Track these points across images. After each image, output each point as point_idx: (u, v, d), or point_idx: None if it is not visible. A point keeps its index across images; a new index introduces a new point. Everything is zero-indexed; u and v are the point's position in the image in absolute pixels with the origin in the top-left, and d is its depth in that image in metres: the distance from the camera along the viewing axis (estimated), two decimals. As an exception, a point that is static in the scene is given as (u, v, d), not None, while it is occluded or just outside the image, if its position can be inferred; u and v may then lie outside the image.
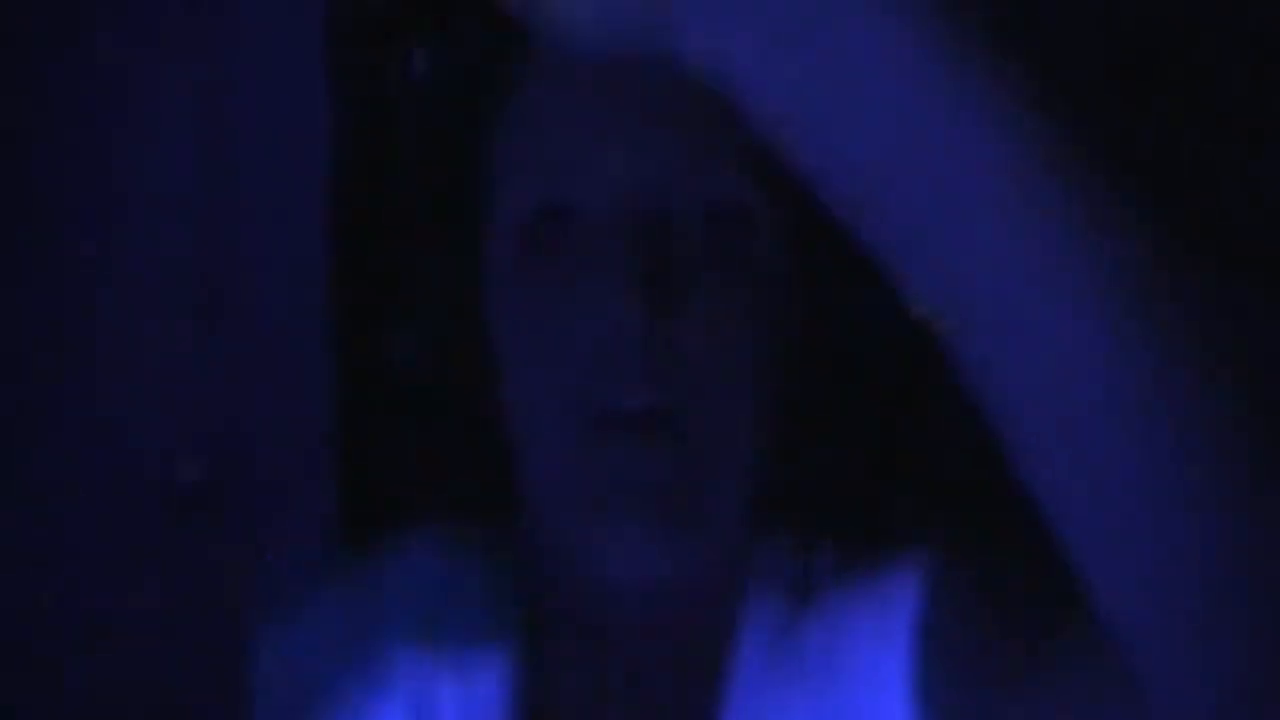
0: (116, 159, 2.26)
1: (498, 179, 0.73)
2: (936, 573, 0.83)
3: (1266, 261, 1.43)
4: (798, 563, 0.79)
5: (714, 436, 0.70)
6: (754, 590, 0.78)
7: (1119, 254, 0.48)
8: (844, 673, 0.77)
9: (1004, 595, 0.80)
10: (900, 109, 0.48)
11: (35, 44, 2.23)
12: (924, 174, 0.49)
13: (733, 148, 0.70)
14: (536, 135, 0.71)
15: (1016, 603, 0.77)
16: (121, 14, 2.24)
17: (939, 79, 0.47)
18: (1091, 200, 0.50)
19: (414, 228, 0.79)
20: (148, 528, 2.30)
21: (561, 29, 0.60)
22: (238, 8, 2.26)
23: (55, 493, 2.30)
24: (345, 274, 2.30)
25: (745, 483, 0.75)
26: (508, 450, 0.75)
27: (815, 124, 0.51)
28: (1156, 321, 0.48)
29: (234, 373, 2.31)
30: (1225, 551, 0.47)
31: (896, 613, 0.80)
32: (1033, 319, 0.49)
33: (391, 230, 0.75)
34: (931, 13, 0.47)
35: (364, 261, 2.25)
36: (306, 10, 2.23)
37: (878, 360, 0.82)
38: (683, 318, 0.68)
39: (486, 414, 0.76)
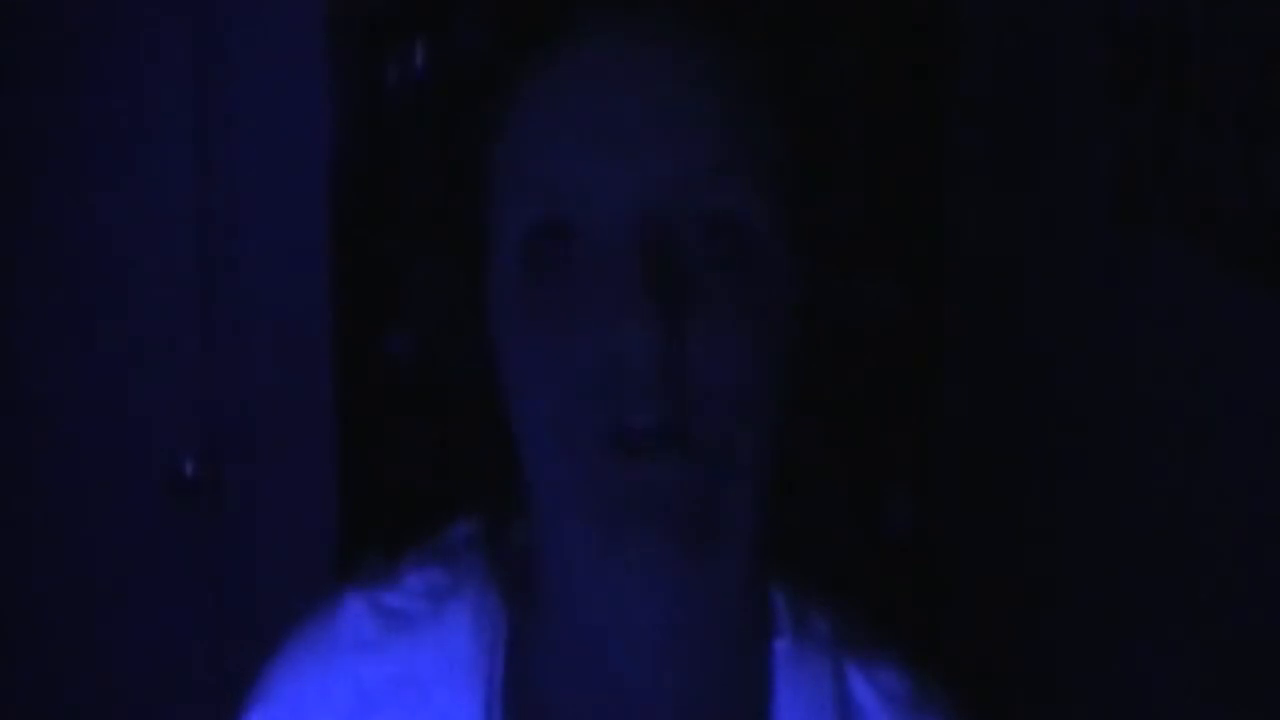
0: (117, 158, 2.27)
1: (499, 189, 0.72)
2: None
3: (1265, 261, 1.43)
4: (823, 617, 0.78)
5: (728, 454, 0.69)
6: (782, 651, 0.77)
7: None
8: None
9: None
10: None
11: (35, 44, 2.24)
12: None
13: (734, 159, 0.70)
14: (538, 146, 0.68)
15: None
16: (122, 14, 2.24)
17: None
18: None
19: (413, 228, 0.78)
20: (151, 519, 2.30)
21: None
22: (238, 8, 2.26)
23: (61, 486, 2.30)
24: (345, 274, 2.30)
25: (761, 501, 0.74)
26: (506, 449, 0.75)
27: None
28: None
29: (235, 370, 2.31)
30: None
31: None
32: None
33: (391, 230, 0.75)
34: None
35: (364, 261, 2.26)
36: (306, 10, 2.24)
37: (885, 365, 0.81)
38: (691, 336, 0.68)
39: (485, 413, 0.75)
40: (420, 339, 0.79)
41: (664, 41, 0.70)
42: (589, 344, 0.68)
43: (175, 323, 2.29)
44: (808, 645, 0.78)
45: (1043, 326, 2.00)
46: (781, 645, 0.77)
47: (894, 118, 2.11)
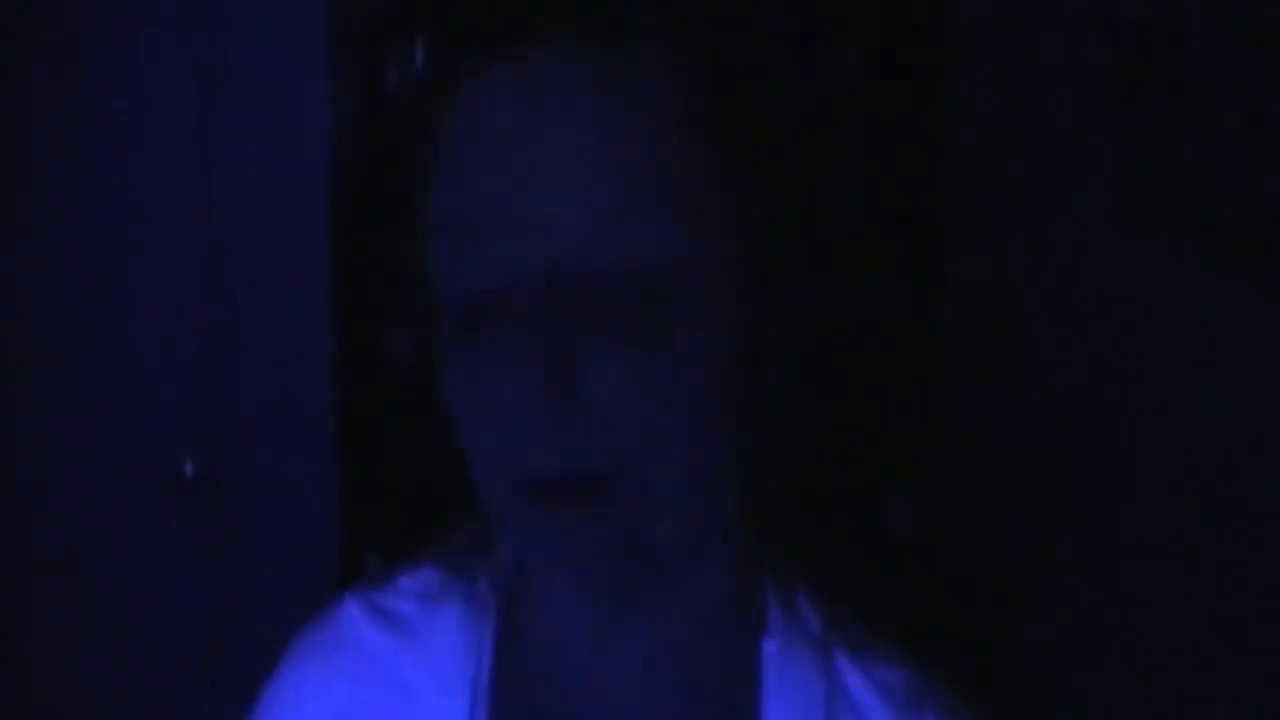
0: (117, 159, 2.27)
1: (428, 231, 0.72)
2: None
3: (1263, 260, 1.43)
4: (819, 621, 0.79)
5: (649, 497, 0.69)
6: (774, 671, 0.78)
7: None
8: None
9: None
10: None
11: (35, 44, 2.24)
12: None
13: (640, 204, 0.67)
14: (453, 191, 0.69)
15: None
16: (122, 14, 2.24)
17: None
18: None
19: (412, 227, 0.78)
20: (151, 519, 2.30)
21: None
22: (238, 8, 2.26)
23: (62, 486, 2.30)
24: (345, 274, 2.30)
25: (701, 536, 0.74)
26: None
27: None
28: None
29: (235, 370, 2.31)
30: None
31: None
32: None
33: (391, 230, 0.75)
34: None
35: (364, 261, 2.26)
36: (306, 10, 2.23)
37: (886, 366, 0.81)
38: (590, 382, 0.68)
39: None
40: (420, 339, 0.79)
41: (566, 82, 0.67)
42: (500, 396, 0.68)
43: (175, 323, 2.29)
44: (798, 644, 0.78)
45: (1043, 327, 2.00)
46: (770, 644, 0.78)
47: (894, 118, 2.11)
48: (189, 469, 2.28)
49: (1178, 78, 1.59)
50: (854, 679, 0.78)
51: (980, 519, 2.16)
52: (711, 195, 0.70)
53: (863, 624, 0.81)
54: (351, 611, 0.84)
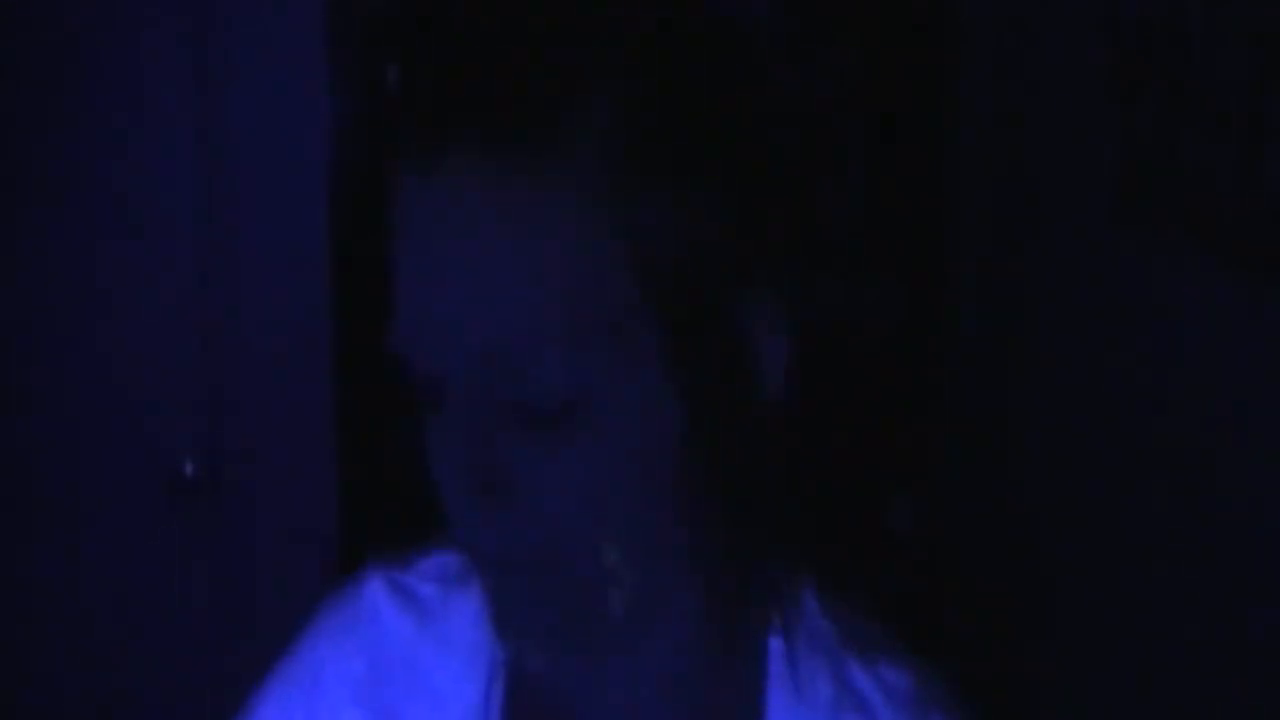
0: (118, 159, 2.27)
1: (395, 264, 0.71)
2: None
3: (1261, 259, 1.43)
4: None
5: (593, 569, 0.70)
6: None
7: None
8: None
9: None
10: None
11: (35, 44, 2.24)
12: None
13: (563, 322, 0.65)
14: (401, 266, 0.68)
15: None
16: (122, 15, 2.24)
17: None
18: None
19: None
20: (151, 519, 2.30)
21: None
22: (238, 8, 2.26)
23: (62, 486, 2.30)
24: (345, 274, 2.30)
25: (659, 592, 0.74)
26: None
27: None
28: None
29: (235, 370, 2.31)
30: None
31: None
32: None
33: (391, 231, 0.75)
34: None
35: (364, 261, 2.26)
36: (306, 10, 2.23)
37: (886, 366, 0.81)
38: (519, 480, 0.67)
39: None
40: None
41: (474, 192, 0.65)
42: (442, 479, 0.70)
43: (175, 323, 2.29)
44: (806, 646, 0.78)
45: (1043, 327, 2.00)
46: (776, 644, 0.78)
47: (894, 118, 2.11)
48: (189, 469, 2.28)
49: (1178, 78, 1.59)
50: (861, 679, 0.78)
51: (980, 519, 2.16)
52: (632, 307, 0.67)
53: (868, 624, 0.81)
54: (375, 588, 0.85)
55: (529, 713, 0.80)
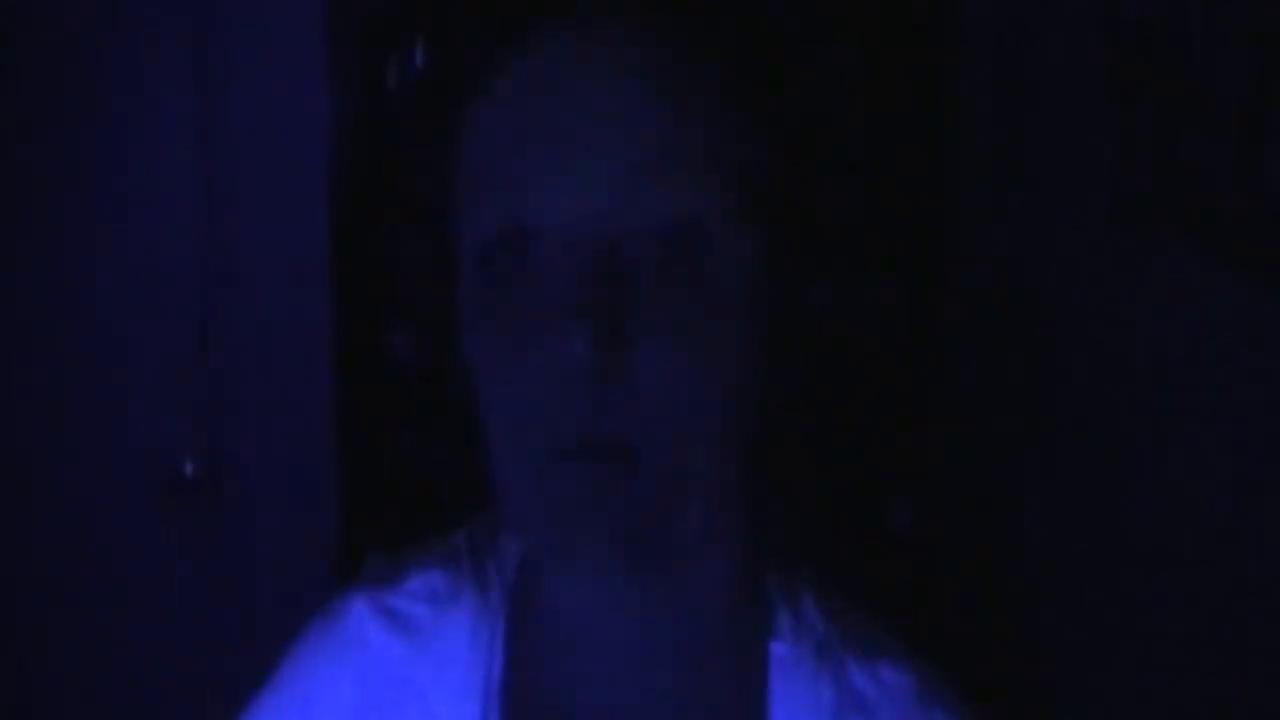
0: (117, 158, 2.27)
1: (464, 191, 0.73)
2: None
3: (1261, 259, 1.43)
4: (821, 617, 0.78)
5: (679, 469, 0.69)
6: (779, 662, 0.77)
7: None
8: None
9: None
10: None
11: (35, 44, 2.24)
12: None
13: (687, 159, 0.69)
14: (491, 154, 0.70)
15: None
16: (122, 14, 2.24)
17: None
18: None
19: (411, 227, 0.78)
20: (151, 519, 2.30)
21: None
22: (238, 8, 2.26)
23: (62, 486, 2.30)
24: (345, 274, 2.30)
25: (722, 518, 0.74)
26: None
27: None
28: None
29: (235, 370, 2.31)
30: None
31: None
32: None
33: (390, 230, 0.75)
34: None
35: (364, 261, 2.26)
36: (306, 10, 2.24)
37: (886, 366, 0.81)
38: (635, 349, 0.67)
39: (472, 416, 0.75)
40: (420, 339, 0.79)
41: (619, 45, 0.69)
42: (536, 356, 0.68)
43: (175, 323, 2.29)
44: (806, 647, 0.78)
45: (1043, 327, 2.00)
46: (778, 647, 0.78)
47: (894, 118, 2.11)
48: (189, 469, 2.29)
49: (1178, 78, 1.59)
50: (862, 680, 0.78)
51: (980, 519, 2.16)
52: (746, 156, 0.71)
53: (868, 624, 0.81)
54: (358, 610, 0.84)
55: None
